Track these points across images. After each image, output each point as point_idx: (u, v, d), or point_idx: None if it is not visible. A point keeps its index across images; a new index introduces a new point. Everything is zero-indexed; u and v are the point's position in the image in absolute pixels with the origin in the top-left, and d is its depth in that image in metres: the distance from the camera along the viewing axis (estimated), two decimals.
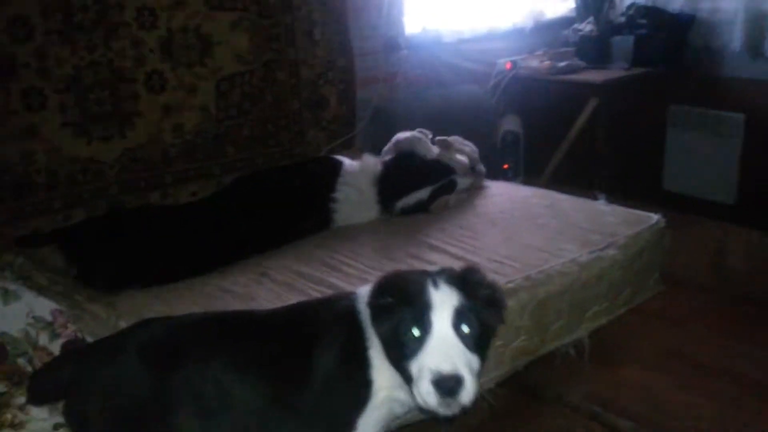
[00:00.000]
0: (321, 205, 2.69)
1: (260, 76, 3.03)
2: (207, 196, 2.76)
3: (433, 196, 2.82)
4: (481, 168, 3.09)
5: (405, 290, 1.41)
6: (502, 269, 2.25)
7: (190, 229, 2.45)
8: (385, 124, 3.39)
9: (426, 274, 1.46)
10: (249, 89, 3.01)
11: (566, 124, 3.98)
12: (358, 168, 2.81)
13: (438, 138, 2.99)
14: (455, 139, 3.02)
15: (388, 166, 2.86)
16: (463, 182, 2.93)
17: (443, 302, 1.38)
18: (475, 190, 3.02)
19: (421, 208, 2.80)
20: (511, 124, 4.00)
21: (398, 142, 2.99)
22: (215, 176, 2.95)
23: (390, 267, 2.26)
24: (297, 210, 2.66)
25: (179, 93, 2.81)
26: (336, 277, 2.25)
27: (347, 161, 2.84)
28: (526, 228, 2.59)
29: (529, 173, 4.07)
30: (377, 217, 2.77)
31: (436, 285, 1.41)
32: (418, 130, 3.02)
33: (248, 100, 3.02)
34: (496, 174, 3.48)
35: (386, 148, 3.02)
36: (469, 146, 3.07)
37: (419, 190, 2.81)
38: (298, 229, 2.62)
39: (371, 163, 2.85)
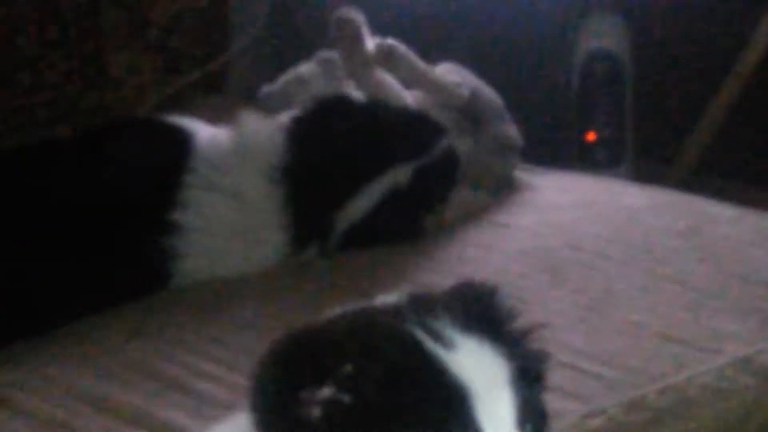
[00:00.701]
0: (146, 235, 2.79)
1: None
2: None
3: (417, 197, 2.90)
4: (511, 134, 3.19)
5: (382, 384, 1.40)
6: (579, 383, 2.26)
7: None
8: (295, 29, 3.44)
9: (388, 314, 1.47)
10: None
11: (728, 44, 4.08)
12: (231, 144, 2.90)
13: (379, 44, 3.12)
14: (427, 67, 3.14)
15: (300, 136, 2.93)
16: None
17: (488, 386, 1.40)
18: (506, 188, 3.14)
19: (389, 227, 2.87)
20: (603, 36, 4.08)
21: (317, 72, 3.12)
22: None
23: None
24: (92, 248, 2.77)
25: None
26: (174, 409, 2.28)
27: (205, 130, 2.94)
28: (636, 286, 2.67)
29: (645, 153, 4.15)
30: (279, 260, 2.91)
31: (448, 344, 1.43)
32: (375, 42, 3.14)
33: None
34: (567, 154, 3.50)
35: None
36: (467, 77, 3.19)
37: (376, 182, 2.87)
38: (90, 295, 2.70)
39: (264, 132, 2.92)
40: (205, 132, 2.94)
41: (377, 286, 2.56)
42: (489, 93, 3.21)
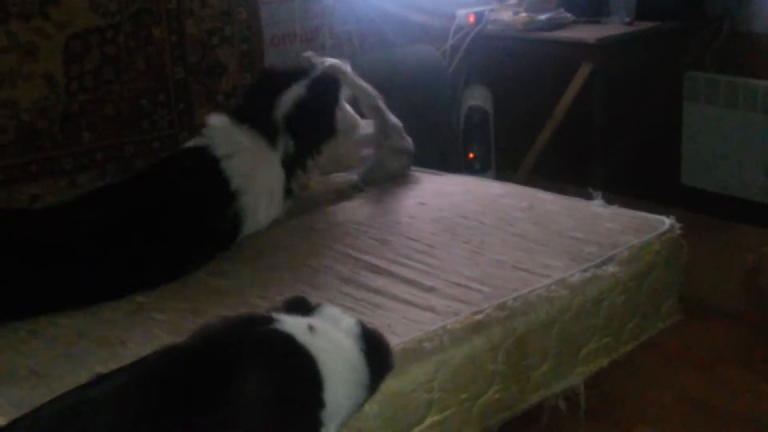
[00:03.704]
0: (223, 213, 2.67)
1: (127, 33, 3.03)
2: (56, 204, 2.68)
3: (316, 102, 2.84)
4: (404, 145, 3.16)
5: None
6: (467, 295, 2.27)
7: (30, 251, 2.38)
8: None
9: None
10: (112, 50, 3.01)
11: (550, 98, 4.07)
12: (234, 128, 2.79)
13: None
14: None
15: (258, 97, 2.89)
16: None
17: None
18: (407, 182, 3.11)
19: (306, 123, 2.82)
20: (477, 98, 4.07)
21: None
22: (66, 173, 2.93)
23: (318, 298, 2.26)
24: (193, 227, 2.62)
25: (12, 56, 2.79)
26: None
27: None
28: (499, 239, 2.63)
29: (502, 165, 4.17)
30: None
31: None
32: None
33: (111, 65, 3.01)
34: (457, 166, 3.51)
35: None
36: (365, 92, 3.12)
37: (286, 92, 2.80)
38: (194, 256, 2.59)
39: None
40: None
41: (350, 249, 2.61)
42: (393, 120, 3.13)
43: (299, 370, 1.64)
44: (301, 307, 1.81)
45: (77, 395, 1.60)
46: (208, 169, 2.71)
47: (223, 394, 1.56)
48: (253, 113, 2.82)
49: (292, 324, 1.70)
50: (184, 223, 2.60)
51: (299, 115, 2.81)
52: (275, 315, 1.72)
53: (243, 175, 2.71)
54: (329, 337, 1.72)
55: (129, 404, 1.55)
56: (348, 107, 3.04)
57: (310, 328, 1.69)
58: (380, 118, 3.13)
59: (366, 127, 3.14)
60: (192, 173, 2.72)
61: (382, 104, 3.13)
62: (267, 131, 2.79)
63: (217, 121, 2.80)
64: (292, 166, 2.86)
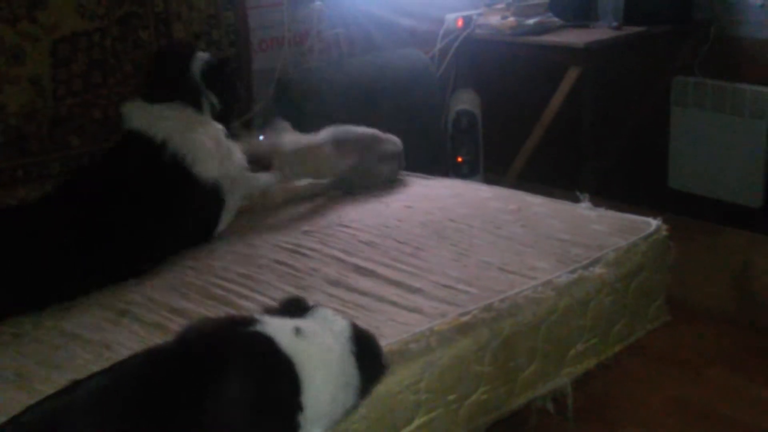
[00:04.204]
0: (204, 201, 2.69)
1: (115, 36, 3.04)
2: (32, 201, 2.65)
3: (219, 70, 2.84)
4: (390, 149, 3.15)
5: None
6: (454, 297, 2.27)
7: (7, 248, 2.37)
8: (292, 102, 3.43)
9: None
10: (99, 54, 3.01)
11: (538, 102, 4.07)
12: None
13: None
14: None
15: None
16: None
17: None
18: (395, 185, 3.12)
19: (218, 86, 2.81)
20: (465, 102, 4.09)
21: None
22: (54, 177, 2.92)
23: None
24: (170, 214, 2.62)
25: None
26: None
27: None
28: (486, 241, 2.63)
29: (490, 169, 4.17)
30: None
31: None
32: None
33: (98, 69, 3.02)
34: (446, 169, 3.51)
35: None
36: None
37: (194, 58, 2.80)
38: (169, 244, 2.62)
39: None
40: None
41: (335, 250, 2.62)
42: (363, 130, 3.13)
43: (277, 372, 1.62)
44: (297, 307, 1.80)
45: (56, 401, 1.59)
46: (153, 153, 2.65)
47: (200, 398, 1.55)
48: (169, 86, 2.77)
49: (275, 326, 1.68)
50: (153, 210, 2.59)
51: (213, 73, 2.79)
52: (259, 317, 1.71)
53: (188, 147, 2.67)
54: (315, 339, 1.70)
55: (108, 408, 1.55)
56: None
57: (297, 330, 1.68)
58: (338, 143, 3.10)
59: (345, 134, 3.13)
60: (139, 159, 2.66)
61: (347, 129, 3.12)
62: (190, 97, 2.74)
63: (135, 106, 2.73)
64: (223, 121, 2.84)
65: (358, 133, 3.12)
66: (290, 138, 3.07)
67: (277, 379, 1.62)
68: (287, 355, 1.63)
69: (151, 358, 1.66)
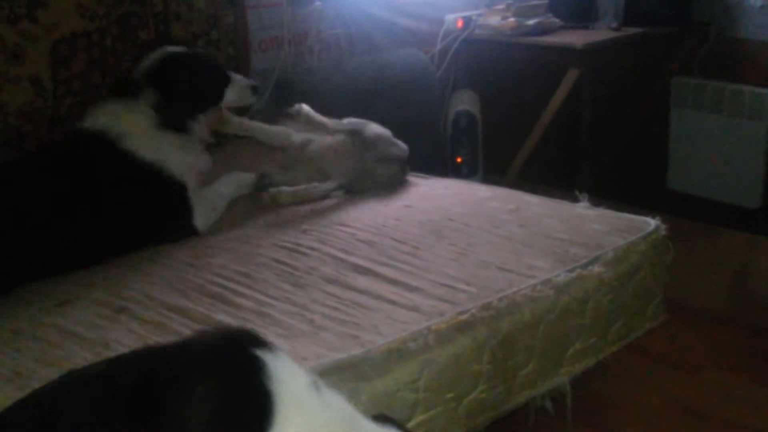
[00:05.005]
0: (144, 177, 2.67)
1: (114, 36, 3.03)
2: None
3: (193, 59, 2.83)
4: (392, 152, 3.13)
5: None
6: (453, 295, 2.27)
7: None
8: (291, 102, 3.38)
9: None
10: (99, 54, 3.00)
11: (538, 103, 4.08)
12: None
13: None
14: None
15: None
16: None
17: None
18: (401, 185, 3.10)
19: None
20: (464, 103, 4.09)
21: None
22: None
23: (304, 299, 2.27)
24: (105, 186, 2.62)
25: None
26: (226, 313, 2.23)
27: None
28: (485, 240, 2.63)
29: (490, 169, 4.17)
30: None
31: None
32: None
33: (98, 69, 3.01)
34: (445, 170, 3.51)
35: None
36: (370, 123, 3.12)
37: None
38: (126, 228, 2.64)
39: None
40: None
41: (334, 249, 2.61)
42: (379, 130, 3.12)
43: (248, 399, 1.46)
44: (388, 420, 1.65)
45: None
46: (90, 140, 2.65)
47: (164, 400, 1.45)
48: (117, 84, 2.84)
49: (288, 365, 1.52)
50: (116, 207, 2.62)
51: (158, 69, 2.74)
52: (277, 349, 1.54)
53: (117, 132, 2.66)
54: (326, 399, 1.53)
55: (79, 413, 1.49)
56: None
57: (314, 383, 1.52)
58: (354, 135, 3.10)
59: (362, 127, 3.12)
60: (76, 147, 2.67)
61: (349, 123, 3.12)
62: (130, 91, 2.72)
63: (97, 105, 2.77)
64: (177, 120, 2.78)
65: (374, 130, 3.12)
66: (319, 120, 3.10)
67: (245, 405, 1.47)
68: (270, 391, 1.46)
69: (118, 362, 1.62)
